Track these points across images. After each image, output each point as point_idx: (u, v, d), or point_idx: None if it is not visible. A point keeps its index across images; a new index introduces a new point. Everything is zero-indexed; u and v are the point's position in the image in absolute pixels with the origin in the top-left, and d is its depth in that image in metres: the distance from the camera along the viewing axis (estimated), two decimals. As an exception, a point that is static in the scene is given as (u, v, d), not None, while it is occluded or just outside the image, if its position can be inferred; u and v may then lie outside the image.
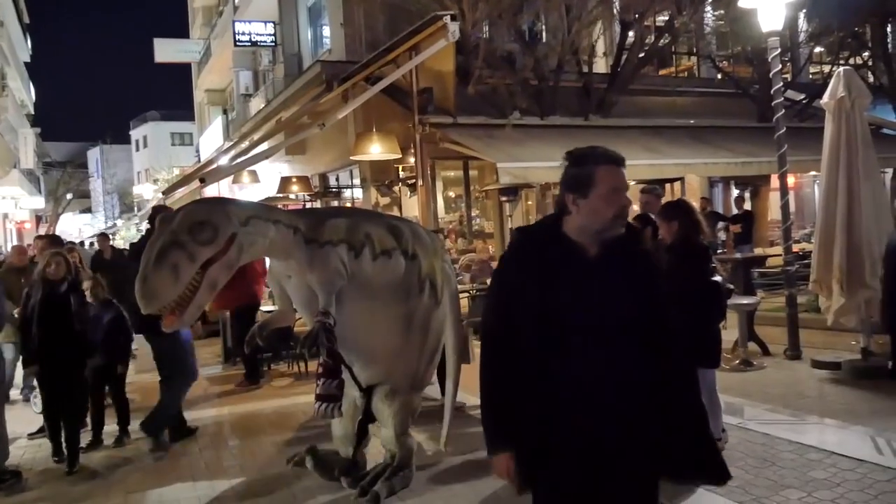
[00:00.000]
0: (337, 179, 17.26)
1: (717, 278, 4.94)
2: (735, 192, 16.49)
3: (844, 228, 7.21)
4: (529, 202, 16.38)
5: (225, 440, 6.86)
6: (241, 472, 5.82)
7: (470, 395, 7.13)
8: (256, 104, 22.86)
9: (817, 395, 6.88)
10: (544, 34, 15.23)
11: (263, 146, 13.25)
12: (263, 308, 9.31)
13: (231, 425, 7.37)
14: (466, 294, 11.11)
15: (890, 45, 18.84)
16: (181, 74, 38.43)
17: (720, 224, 14.12)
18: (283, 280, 4.82)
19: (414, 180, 13.10)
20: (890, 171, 17.23)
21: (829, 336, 8.08)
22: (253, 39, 21.70)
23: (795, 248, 11.01)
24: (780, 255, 8.71)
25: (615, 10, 14.62)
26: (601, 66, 15.40)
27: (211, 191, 21.59)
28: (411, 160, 12.93)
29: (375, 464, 5.17)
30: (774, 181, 12.47)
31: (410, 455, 5.12)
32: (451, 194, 16.98)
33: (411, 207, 13.93)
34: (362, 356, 4.81)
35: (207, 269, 4.04)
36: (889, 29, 18.83)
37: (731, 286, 5.38)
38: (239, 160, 13.53)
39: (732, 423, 6.05)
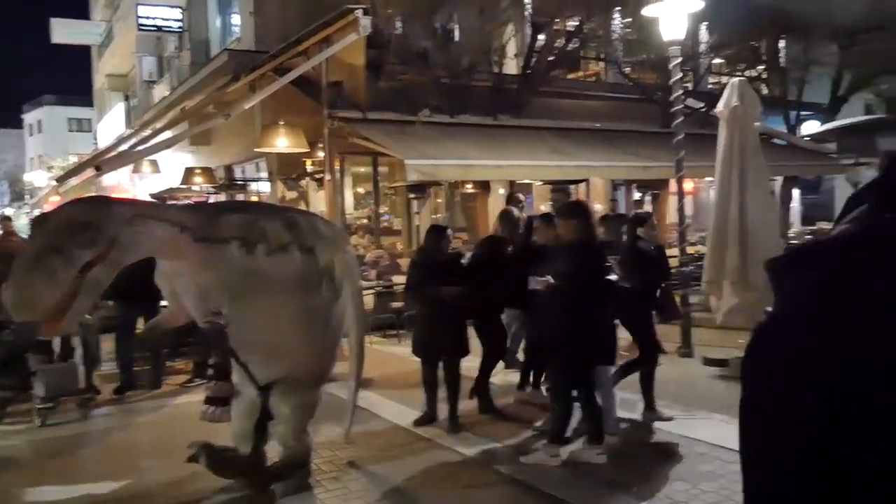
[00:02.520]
0: (243, 172, 16.87)
1: (613, 277, 5.07)
2: (636, 196, 17.02)
3: (737, 232, 7.52)
4: (439, 200, 16.45)
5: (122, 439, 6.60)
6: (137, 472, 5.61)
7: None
8: (160, 91, 22.10)
9: (707, 391, 7.15)
10: (458, 33, 15.32)
11: (166, 135, 12.82)
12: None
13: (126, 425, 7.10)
14: (371, 291, 11.08)
15: (782, 60, 19.86)
16: (80, 57, 36.73)
17: (622, 226, 14.52)
18: (172, 278, 4.64)
19: (321, 175, 12.94)
20: (780, 178, 18.15)
21: (719, 334, 8.41)
22: (158, 24, 20.95)
23: (691, 250, 11.47)
24: (675, 256, 9.02)
25: (527, 13, 14.85)
26: (513, 67, 15.60)
27: (109, 180, 20.83)
28: (320, 154, 12.77)
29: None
30: (674, 185, 12.93)
31: (308, 453, 5.05)
32: (361, 190, 16.85)
33: (318, 202, 13.76)
34: (259, 353, 4.69)
35: (88, 272, 3.85)
36: (782, 44, 19.84)
37: (627, 285, 5.54)
38: (139, 148, 13.03)
39: (628, 419, 6.25)
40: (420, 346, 6.44)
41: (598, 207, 15.29)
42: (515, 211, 7.36)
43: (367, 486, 5.16)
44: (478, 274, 6.37)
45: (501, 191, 15.69)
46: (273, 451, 5.04)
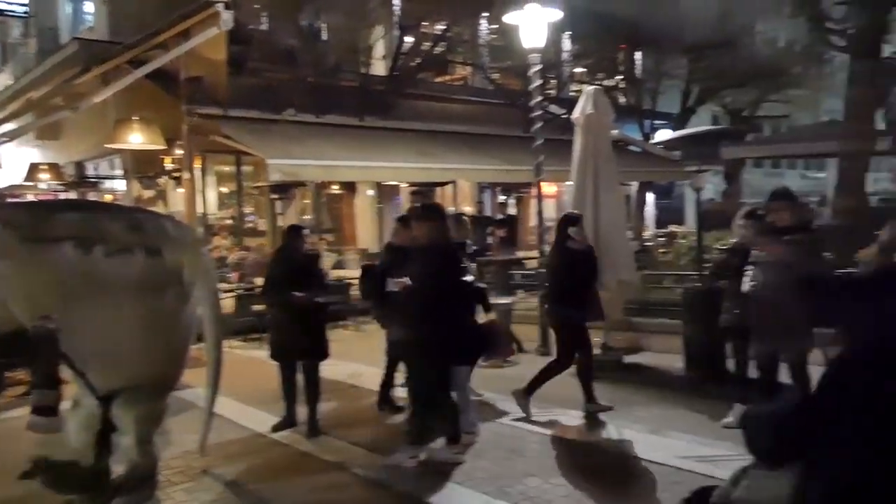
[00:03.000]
0: (96, 169, 15.94)
1: (469, 278, 5.14)
2: (501, 198, 17.44)
3: (592, 234, 7.81)
4: (306, 201, 16.19)
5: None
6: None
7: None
8: (3, 80, 20.54)
9: (562, 388, 7.36)
10: (325, 32, 15.14)
11: (8, 127, 11.92)
12: None
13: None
14: (232, 293, 10.75)
15: (638, 71, 20.93)
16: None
17: (488, 228, 14.84)
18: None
19: (180, 173, 12.43)
20: (636, 183, 19.12)
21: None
22: (1, 8, 19.47)
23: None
24: (535, 258, 9.30)
25: (395, 15, 14.89)
26: (380, 68, 15.60)
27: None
28: (178, 152, 12.25)
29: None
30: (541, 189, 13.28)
31: (154, 465, 4.79)
32: (225, 190, 16.32)
33: (177, 202, 13.22)
34: (97, 361, 4.41)
35: None
36: (638, 56, 20.91)
37: (484, 286, 5.63)
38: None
39: (485, 418, 6.36)
40: (277, 350, 6.29)
41: (467, 209, 15.57)
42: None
43: (219, 496, 5.00)
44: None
45: (370, 192, 15.65)
46: (118, 464, 4.78)
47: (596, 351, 8.08)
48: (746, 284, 5.54)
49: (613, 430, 5.92)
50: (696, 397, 6.55)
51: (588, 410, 6.39)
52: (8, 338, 4.92)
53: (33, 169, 14.15)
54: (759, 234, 5.36)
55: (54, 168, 14.38)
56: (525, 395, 6.39)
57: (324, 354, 6.30)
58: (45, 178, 14.06)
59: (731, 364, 6.38)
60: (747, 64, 18.17)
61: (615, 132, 18.40)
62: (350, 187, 15.57)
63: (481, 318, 5.92)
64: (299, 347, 6.15)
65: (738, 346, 5.96)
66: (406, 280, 5.16)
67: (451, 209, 11.04)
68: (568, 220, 6.66)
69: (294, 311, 6.07)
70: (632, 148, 17.25)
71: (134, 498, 4.57)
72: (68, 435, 4.73)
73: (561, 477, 4.96)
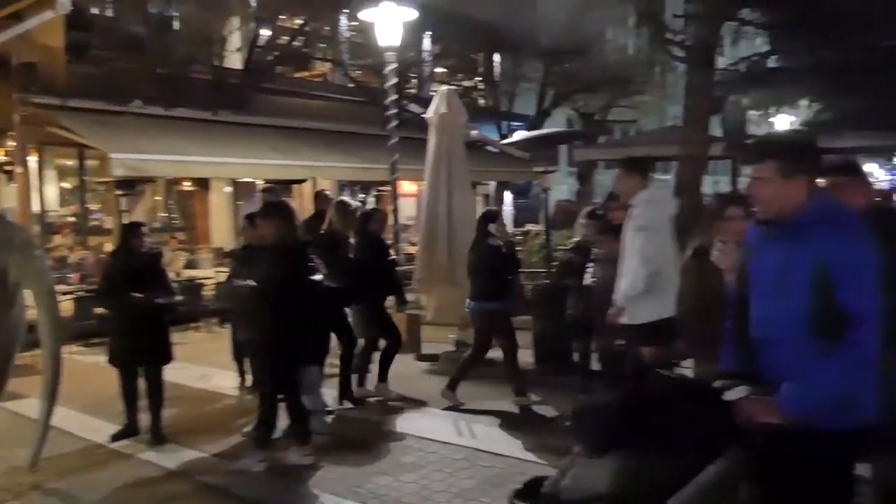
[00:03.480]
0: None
1: (317, 277, 5.07)
2: (360, 197, 17.35)
3: (445, 233, 7.92)
4: (158, 198, 15.46)
5: None
6: None
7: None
8: None
9: (418, 385, 7.44)
10: (176, 22, 14.50)
11: None
12: None
13: None
14: (72, 296, 10.11)
15: (497, 74, 21.46)
16: None
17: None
18: None
19: (13, 167, 11.54)
20: (493, 183, 19.59)
21: (431, 331, 8.80)
22: None
23: (412, 249, 11.89)
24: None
25: (251, 7, 14.47)
26: (236, 61, 15.11)
27: None
28: (11, 144, 11.37)
29: None
30: (400, 187, 13.29)
31: None
32: (67, 185, 15.30)
33: (9, 198, 12.25)
34: None
35: None
36: (497, 59, 21.43)
37: (335, 285, 5.57)
38: None
39: (337, 418, 6.31)
40: (117, 354, 5.96)
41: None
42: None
43: None
44: None
45: (226, 189, 15.15)
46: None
47: (450, 348, 8.24)
48: (588, 280, 5.79)
49: (464, 424, 6.01)
50: (545, 391, 6.77)
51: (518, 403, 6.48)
52: None
53: None
54: (597, 232, 5.61)
55: None
56: (450, 390, 6.48)
57: (166, 358, 6.02)
58: None
59: (576, 357, 6.66)
60: (598, 70, 19.02)
61: (474, 132, 18.78)
62: (204, 184, 14.98)
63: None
64: (140, 351, 5.85)
65: (582, 341, 6.22)
66: (250, 281, 5.03)
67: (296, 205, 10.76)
68: (487, 217, 6.68)
69: (134, 314, 5.77)
70: (489, 148, 17.62)
71: None
72: None
73: (412, 473, 4.98)
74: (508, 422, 6.03)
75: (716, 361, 2.88)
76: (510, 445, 5.37)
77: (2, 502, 4.82)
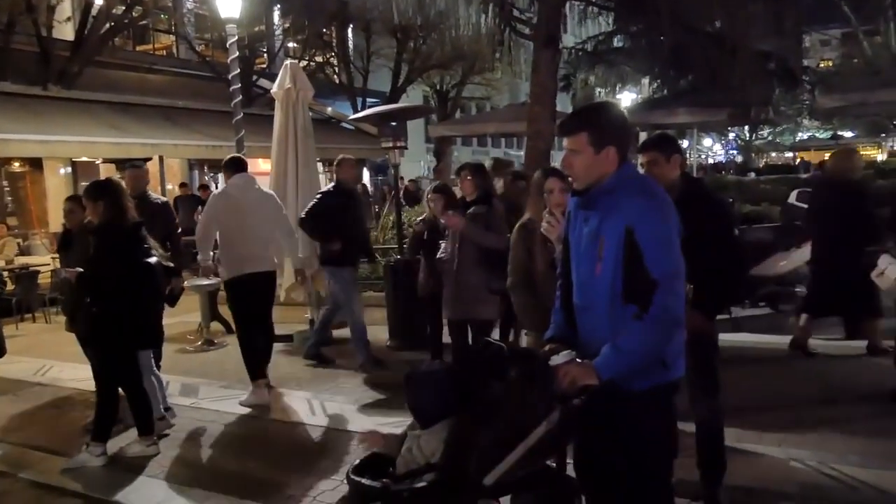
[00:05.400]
0: None
1: (152, 260, 4.84)
2: (209, 176, 16.74)
3: (293, 211, 7.72)
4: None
5: None
6: None
7: None
8: None
9: (271, 366, 7.29)
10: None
11: None
12: None
13: None
14: None
15: (350, 49, 21.22)
16: None
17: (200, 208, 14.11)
18: None
19: None
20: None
21: (283, 311, 8.64)
22: None
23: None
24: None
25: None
26: (66, 31, 14.08)
27: None
28: None
29: None
30: (258, 165, 12.84)
31: None
32: None
33: None
34: None
35: None
36: (349, 33, 21.17)
37: (172, 265, 5.33)
38: None
39: (186, 404, 6.09)
40: None
41: (170, 188, 14.69)
42: None
43: None
44: None
45: (63, 170, 14.17)
46: None
47: (303, 327, 8.14)
48: (439, 254, 5.85)
49: (317, 403, 5.97)
50: (400, 366, 6.81)
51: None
52: None
53: None
54: (444, 207, 5.67)
55: None
56: None
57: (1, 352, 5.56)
58: None
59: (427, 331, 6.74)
60: (449, 47, 19.17)
61: (329, 109, 18.53)
62: (37, 164, 13.93)
63: None
64: None
65: (433, 314, 6.29)
66: (76, 269, 4.73)
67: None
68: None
69: None
70: (345, 125, 17.44)
71: None
72: None
73: (259, 460, 4.89)
74: (363, 398, 6.04)
75: (545, 329, 3.00)
76: (364, 422, 5.36)
77: None
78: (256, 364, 6.21)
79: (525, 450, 2.60)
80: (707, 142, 42.44)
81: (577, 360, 2.60)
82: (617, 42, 17.45)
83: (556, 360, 2.64)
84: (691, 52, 13.24)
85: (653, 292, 2.49)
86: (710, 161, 41.32)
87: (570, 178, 2.92)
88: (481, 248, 5.25)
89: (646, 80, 19.58)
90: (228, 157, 6.46)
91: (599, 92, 20.61)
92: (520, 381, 2.73)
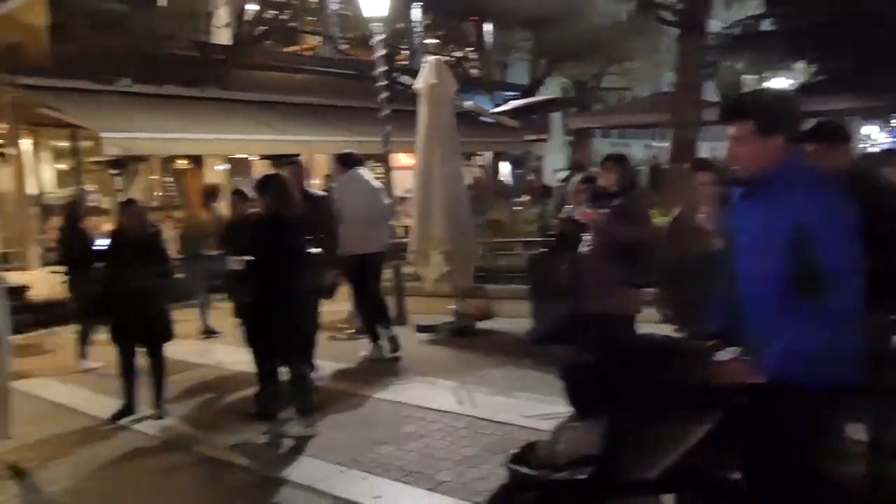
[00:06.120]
0: None
1: (313, 250, 5.09)
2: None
3: (440, 203, 7.89)
4: (154, 176, 15.39)
5: None
6: None
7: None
8: None
9: (417, 355, 7.50)
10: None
11: None
12: None
13: None
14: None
15: (488, 43, 21.30)
16: None
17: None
18: None
19: (5, 150, 11.52)
20: (489, 153, 19.55)
21: (429, 302, 8.85)
22: None
23: (410, 222, 11.87)
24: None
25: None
26: (222, 37, 14.95)
27: None
28: (3, 126, 11.33)
29: None
30: (399, 160, 13.18)
31: None
32: (63, 167, 15.23)
33: (4, 180, 12.22)
34: None
35: None
36: (487, 29, 21.26)
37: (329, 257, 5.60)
38: None
39: (339, 389, 6.37)
40: (116, 333, 5.98)
41: (316, 182, 15.29)
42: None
43: (38, 491, 4.84)
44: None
45: (223, 166, 15.08)
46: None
47: (449, 318, 8.28)
48: (582, 248, 5.79)
49: (465, 394, 6.06)
50: (543, 359, 6.80)
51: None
52: None
53: None
54: (588, 199, 5.61)
55: None
56: None
57: (167, 336, 6.04)
58: None
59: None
60: (589, 37, 18.85)
61: (468, 103, 18.69)
62: (198, 161, 14.91)
63: None
64: (138, 331, 5.88)
65: (575, 308, 6.22)
66: (243, 258, 5.04)
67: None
68: None
69: (134, 294, 5.79)
70: (483, 119, 17.53)
71: None
72: None
73: (414, 442, 5.04)
74: (507, 389, 6.07)
75: (699, 324, 2.91)
76: (510, 413, 5.41)
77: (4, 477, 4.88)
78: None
79: (686, 447, 2.54)
80: (870, 129, 39.61)
81: (742, 356, 2.51)
82: (767, 25, 16.56)
83: (720, 356, 2.57)
84: (850, 33, 12.43)
85: (825, 287, 2.36)
86: (875, 150, 38.32)
87: (726, 169, 2.81)
88: (622, 242, 5.15)
89: (799, 65, 18.50)
90: (341, 152, 6.92)
91: (748, 78, 19.68)
92: (683, 376, 2.68)
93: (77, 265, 7.54)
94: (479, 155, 19.45)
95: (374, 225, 7.23)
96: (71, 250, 7.77)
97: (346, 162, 7.36)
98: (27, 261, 11.34)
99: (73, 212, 8.13)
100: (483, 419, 5.40)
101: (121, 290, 5.90)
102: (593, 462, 2.75)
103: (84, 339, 7.79)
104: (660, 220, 5.95)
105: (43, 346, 9.18)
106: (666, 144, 17.04)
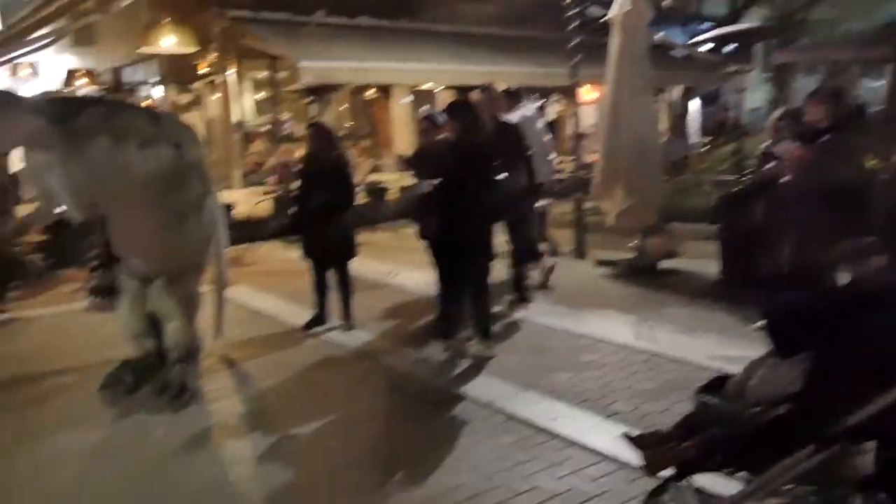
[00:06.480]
0: (133, 75, 15.94)
1: (501, 177, 5.10)
2: (538, 103, 17.02)
3: (627, 137, 7.63)
4: (344, 106, 16.06)
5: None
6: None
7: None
8: (37, -14, 20.36)
9: (595, 289, 7.42)
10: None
11: (39, 34, 11.90)
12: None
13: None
14: (270, 197, 10.89)
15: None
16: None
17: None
18: (43, 172, 4.49)
19: (214, 79, 12.41)
20: (677, 88, 18.57)
21: (610, 237, 8.69)
22: (31, -89, 19.09)
23: (592, 157, 11.62)
24: (573, 160, 9.20)
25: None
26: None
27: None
28: (212, 57, 12.20)
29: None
30: (581, 95, 12.85)
31: (198, 345, 5.09)
32: (262, 96, 16.26)
33: (212, 109, 13.22)
34: (136, 248, 4.65)
35: None
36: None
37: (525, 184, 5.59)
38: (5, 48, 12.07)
39: (518, 317, 6.45)
40: (308, 250, 6.39)
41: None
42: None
43: (245, 382, 5.28)
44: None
45: (407, 98, 15.44)
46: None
47: (631, 255, 8.09)
48: (781, 189, 5.42)
49: (644, 329, 5.94)
50: (729, 301, 6.51)
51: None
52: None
53: (70, 76, 14.21)
54: (792, 136, 5.21)
55: (90, 75, 14.42)
56: None
57: (349, 255, 6.36)
58: (81, 85, 14.12)
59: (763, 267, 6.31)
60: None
61: (659, 35, 17.79)
62: (386, 92, 15.36)
63: None
64: (326, 248, 6.24)
65: (770, 250, 5.88)
66: (432, 181, 5.15)
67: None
68: None
69: (318, 213, 6.12)
70: (674, 53, 16.64)
71: (184, 375, 4.86)
72: (122, 319, 5.02)
73: (592, 371, 5.02)
74: (691, 328, 5.87)
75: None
76: (692, 352, 5.24)
77: (216, 371, 5.41)
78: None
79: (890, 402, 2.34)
80: None
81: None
82: None
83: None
84: None
85: None
86: None
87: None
88: (828, 184, 4.73)
89: None
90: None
91: None
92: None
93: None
94: (668, 91, 18.53)
95: (541, 158, 7.10)
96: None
97: (514, 97, 7.43)
98: (231, 181, 12.27)
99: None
100: (663, 355, 5.27)
101: (308, 210, 6.26)
102: (792, 400, 2.61)
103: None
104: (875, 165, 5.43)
105: (244, 259, 9.99)
106: (882, 83, 15.37)
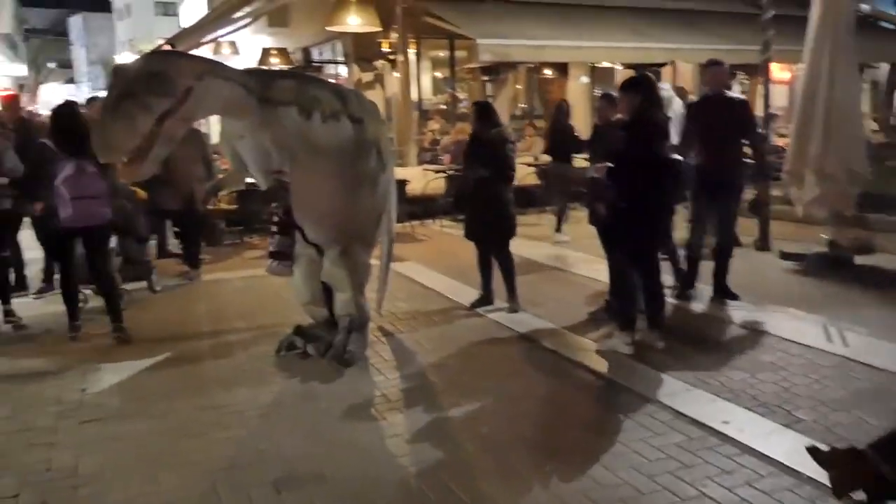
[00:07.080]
0: (320, 54, 16.75)
1: (675, 157, 4.82)
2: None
3: (822, 119, 6.99)
4: (519, 86, 15.98)
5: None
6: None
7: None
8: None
9: (779, 284, 6.91)
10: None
11: (239, 14, 12.75)
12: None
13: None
14: (444, 174, 11.04)
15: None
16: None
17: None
18: (235, 141, 4.81)
19: (395, 57, 12.71)
20: (884, 64, 16.86)
21: (799, 228, 8.04)
22: None
23: (781, 141, 10.80)
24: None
25: None
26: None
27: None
28: (394, 35, 12.49)
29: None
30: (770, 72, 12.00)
31: (367, 317, 5.25)
32: (439, 75, 16.51)
33: (393, 86, 13.56)
34: (313, 216, 4.88)
35: (164, 122, 4.03)
36: None
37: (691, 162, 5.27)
38: (210, 29, 13.03)
39: (696, 311, 6.13)
40: (471, 230, 6.38)
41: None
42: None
43: (408, 356, 5.35)
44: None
45: (584, 79, 15.09)
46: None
47: (822, 248, 7.43)
48: None
49: (834, 331, 5.43)
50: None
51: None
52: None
53: (265, 54, 15.14)
54: None
55: (283, 53, 15.28)
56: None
57: (509, 234, 6.26)
58: (274, 63, 15.01)
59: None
60: None
61: (865, 6, 16.22)
62: (563, 72, 15.08)
63: None
64: (483, 227, 6.21)
65: None
66: (605, 164, 4.93)
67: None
68: None
69: (481, 193, 6.08)
70: (884, 24, 15.09)
71: (355, 344, 5.07)
72: (295, 285, 5.30)
73: (769, 373, 4.66)
74: (886, 333, 5.29)
75: None
76: (890, 359, 4.72)
77: (378, 343, 5.57)
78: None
79: None
80: None
81: None
82: None
83: None
84: None
85: None
86: None
87: None
88: None
89: None
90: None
91: None
92: None
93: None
94: (875, 67, 16.86)
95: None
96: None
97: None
98: (407, 158, 12.55)
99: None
100: (855, 361, 4.79)
101: (468, 188, 6.25)
102: None
103: (560, 217, 9.16)
104: None
105: (415, 235, 10.22)
106: None
